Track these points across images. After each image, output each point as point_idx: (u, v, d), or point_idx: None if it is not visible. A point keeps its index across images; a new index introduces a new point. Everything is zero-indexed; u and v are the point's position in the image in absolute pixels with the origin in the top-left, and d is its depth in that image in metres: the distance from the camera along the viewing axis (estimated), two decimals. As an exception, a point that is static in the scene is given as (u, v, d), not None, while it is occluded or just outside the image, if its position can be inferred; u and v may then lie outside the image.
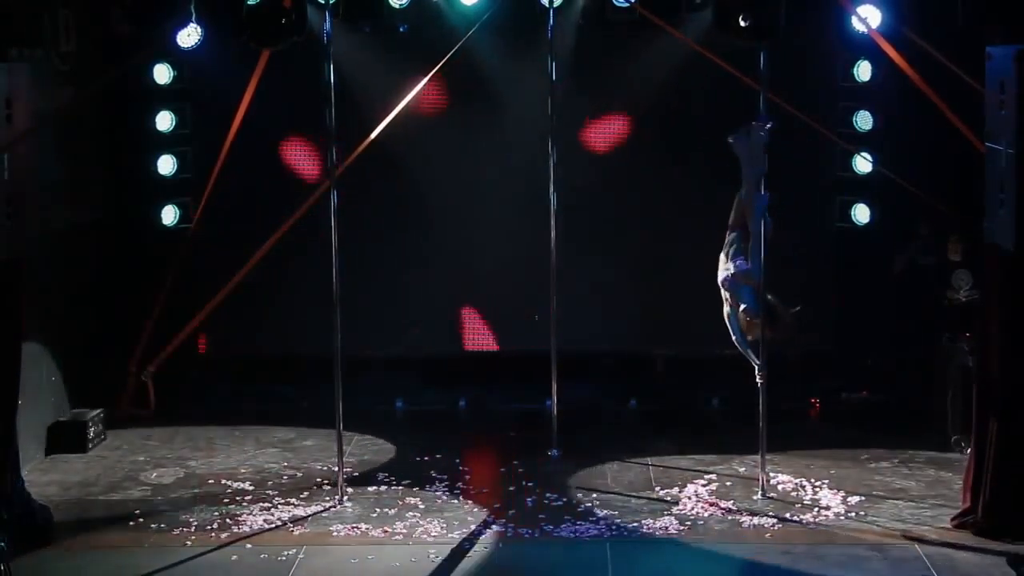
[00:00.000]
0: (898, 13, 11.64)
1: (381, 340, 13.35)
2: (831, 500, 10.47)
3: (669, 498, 10.57)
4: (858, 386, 13.20)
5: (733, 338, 10.54)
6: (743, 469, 11.20)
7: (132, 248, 13.18)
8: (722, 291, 10.53)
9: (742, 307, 10.41)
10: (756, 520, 10.07)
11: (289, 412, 12.98)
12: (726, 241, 10.55)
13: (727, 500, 10.49)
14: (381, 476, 11.18)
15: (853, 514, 10.20)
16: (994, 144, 9.48)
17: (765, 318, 10.35)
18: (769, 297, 10.37)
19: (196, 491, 10.90)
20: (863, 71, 12.77)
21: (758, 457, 10.60)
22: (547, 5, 11.65)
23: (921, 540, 9.64)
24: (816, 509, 10.30)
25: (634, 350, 13.48)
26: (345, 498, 10.58)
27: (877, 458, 11.54)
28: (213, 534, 9.94)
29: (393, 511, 10.36)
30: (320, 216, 11.59)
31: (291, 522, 10.16)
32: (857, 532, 9.85)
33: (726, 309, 10.50)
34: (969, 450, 10.28)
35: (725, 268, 10.49)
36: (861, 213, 12.98)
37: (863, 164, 12.78)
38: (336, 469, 10.67)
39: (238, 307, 12.82)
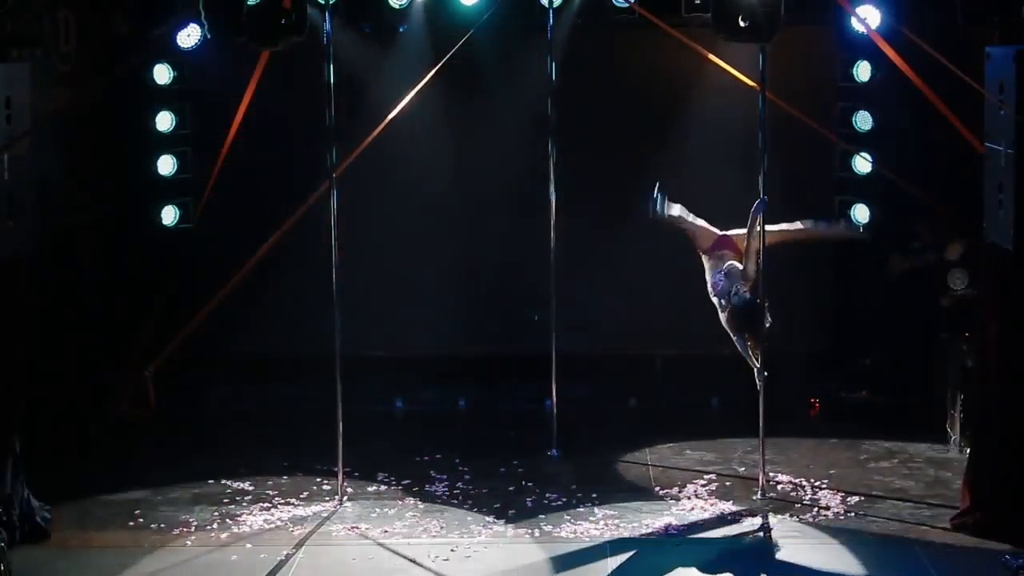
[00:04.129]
0: (897, 13, 11.64)
1: (381, 340, 13.35)
2: (831, 500, 10.47)
3: (669, 498, 10.58)
4: (858, 386, 13.20)
5: (734, 339, 10.57)
6: (743, 469, 11.21)
7: (132, 248, 13.17)
8: (715, 299, 10.56)
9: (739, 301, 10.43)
10: (756, 520, 10.08)
11: (289, 412, 12.99)
12: (707, 264, 10.60)
13: (727, 500, 10.49)
14: (381, 476, 11.18)
15: (853, 514, 10.21)
16: (993, 145, 9.48)
17: (753, 318, 10.37)
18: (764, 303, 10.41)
19: (196, 491, 10.91)
20: (863, 71, 12.77)
21: (758, 457, 10.61)
22: (547, 5, 11.66)
23: (921, 540, 9.65)
24: (816, 509, 10.31)
25: (634, 350, 13.47)
26: (345, 498, 10.58)
27: (877, 458, 11.55)
28: (213, 534, 9.95)
29: (393, 511, 10.37)
30: (320, 216, 11.60)
31: (291, 522, 10.17)
32: (857, 532, 9.86)
33: (723, 316, 10.54)
34: (969, 450, 10.29)
35: (711, 279, 10.54)
36: (861, 213, 12.96)
37: (862, 164, 12.77)
38: (336, 469, 10.67)
39: (238, 307, 12.81)
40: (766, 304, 10.40)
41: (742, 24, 10.45)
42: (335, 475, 10.70)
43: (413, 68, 12.10)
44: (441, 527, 10.00)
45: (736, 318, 10.43)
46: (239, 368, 13.54)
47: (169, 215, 13.20)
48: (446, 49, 11.89)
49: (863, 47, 12.23)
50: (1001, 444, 9.68)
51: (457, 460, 11.53)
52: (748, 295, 10.41)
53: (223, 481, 11.11)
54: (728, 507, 10.35)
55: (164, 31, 12.07)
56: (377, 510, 10.40)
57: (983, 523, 9.70)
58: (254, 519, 10.23)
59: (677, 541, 9.75)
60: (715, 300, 10.62)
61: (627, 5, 12.19)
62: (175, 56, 12.76)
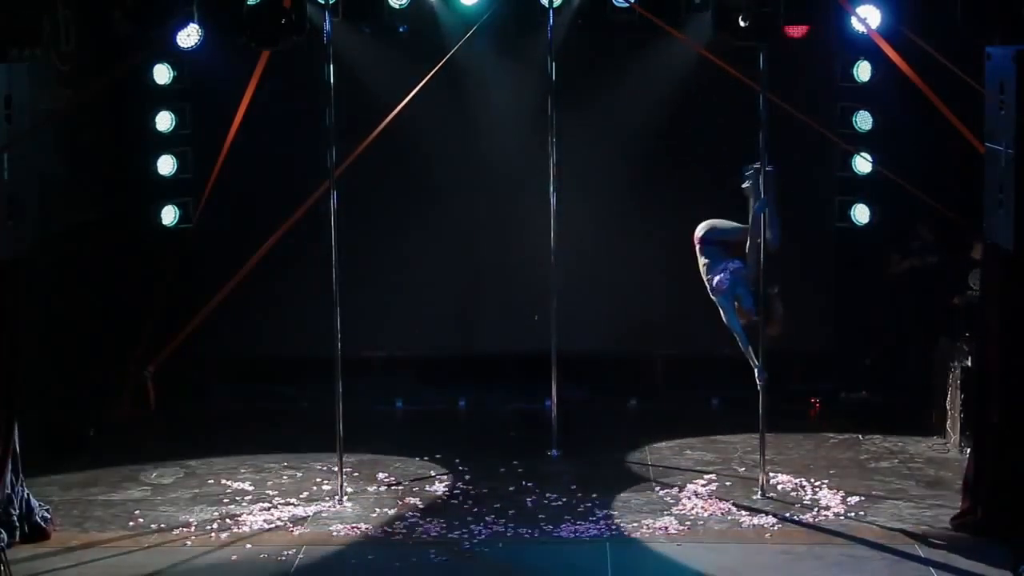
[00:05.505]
0: (897, 13, 11.64)
1: (381, 340, 13.36)
2: (831, 500, 10.47)
3: (669, 498, 10.58)
4: (858, 386, 13.20)
5: (738, 340, 10.59)
6: (743, 469, 11.21)
7: (132, 248, 13.17)
8: (716, 298, 10.58)
9: (743, 306, 10.47)
10: (756, 520, 10.08)
11: (289, 412, 12.99)
12: (699, 255, 10.63)
13: (727, 500, 10.49)
14: (381, 476, 11.18)
15: (853, 514, 10.21)
16: (994, 144, 9.48)
17: (764, 312, 10.41)
18: (773, 290, 10.45)
19: (196, 491, 10.91)
20: (863, 71, 12.77)
21: (758, 457, 10.61)
22: (547, 5, 11.66)
23: (921, 540, 9.65)
24: (816, 509, 10.31)
25: (634, 350, 13.47)
26: (345, 498, 10.58)
27: (877, 458, 11.55)
28: (213, 534, 9.95)
29: (393, 511, 10.37)
30: (320, 216, 11.60)
31: (291, 522, 10.16)
32: (857, 532, 9.86)
33: (724, 316, 10.56)
34: (969, 450, 10.29)
35: (711, 277, 10.57)
36: (861, 213, 12.98)
37: (863, 164, 12.77)
38: (336, 469, 10.67)
39: (238, 307, 12.81)
40: (776, 290, 10.45)
41: (742, 24, 10.47)
42: (335, 475, 10.70)
43: (413, 68, 12.10)
44: (441, 527, 10.00)
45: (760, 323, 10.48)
46: (239, 368, 13.55)
47: (169, 215, 13.19)
48: (446, 49, 11.91)
49: (863, 47, 12.23)
50: (1001, 444, 9.68)
51: (457, 460, 11.53)
52: (753, 304, 10.45)
53: (223, 481, 11.11)
54: (728, 507, 10.35)
55: (164, 31, 12.05)
56: (377, 510, 10.40)
57: (983, 523, 9.70)
58: (254, 519, 10.23)
59: (677, 541, 9.75)
60: (716, 299, 10.63)
61: (627, 5, 12.20)
62: (175, 56, 12.75)
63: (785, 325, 10.58)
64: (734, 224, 10.75)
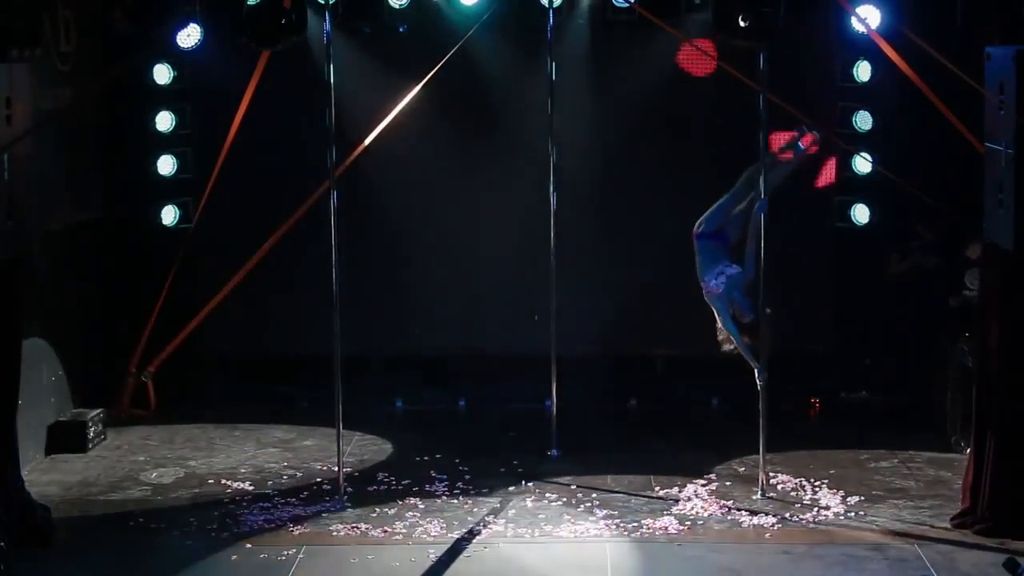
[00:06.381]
0: (897, 13, 11.64)
1: (381, 340, 13.36)
2: (831, 500, 10.47)
3: (669, 498, 10.58)
4: (858, 386, 13.20)
5: (735, 343, 10.59)
6: (743, 469, 11.21)
7: (132, 248, 13.17)
8: (710, 302, 10.58)
9: (738, 311, 10.47)
10: (756, 520, 10.08)
11: (289, 412, 12.99)
12: (698, 250, 10.64)
13: (727, 500, 10.49)
14: (381, 476, 11.18)
15: (853, 514, 10.21)
16: (993, 144, 9.49)
17: (755, 322, 10.41)
18: (767, 311, 10.46)
19: (196, 491, 10.91)
20: (862, 71, 12.77)
21: (758, 457, 10.61)
22: (547, 5, 11.66)
23: (921, 540, 9.65)
24: (816, 509, 10.31)
25: (634, 350, 13.47)
26: (345, 498, 10.58)
27: (877, 458, 11.55)
28: (213, 534, 9.94)
29: (393, 511, 10.36)
30: (320, 216, 11.60)
31: (291, 522, 10.16)
32: (857, 532, 9.86)
33: (719, 320, 10.57)
34: (969, 450, 10.29)
35: (705, 281, 10.57)
36: (860, 213, 12.98)
37: (863, 164, 12.78)
38: (336, 469, 10.67)
39: (238, 307, 12.82)
40: (768, 312, 10.45)
41: (742, 24, 10.46)
42: (335, 475, 10.70)
43: (413, 68, 12.10)
44: (441, 527, 10.00)
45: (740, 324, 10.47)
46: (239, 368, 13.55)
47: (169, 215, 13.19)
48: (446, 50, 11.91)
49: (863, 47, 12.24)
50: (1001, 444, 9.69)
51: (457, 460, 11.53)
52: (750, 308, 10.45)
53: (223, 481, 11.11)
54: (728, 507, 10.35)
55: (164, 31, 12.06)
56: (377, 510, 10.40)
57: (983, 523, 9.71)
58: (254, 519, 10.23)
59: (677, 541, 9.75)
60: (710, 303, 10.61)
61: (627, 5, 12.20)
62: (175, 56, 12.76)
63: (773, 348, 10.57)
64: (723, 197, 10.73)
